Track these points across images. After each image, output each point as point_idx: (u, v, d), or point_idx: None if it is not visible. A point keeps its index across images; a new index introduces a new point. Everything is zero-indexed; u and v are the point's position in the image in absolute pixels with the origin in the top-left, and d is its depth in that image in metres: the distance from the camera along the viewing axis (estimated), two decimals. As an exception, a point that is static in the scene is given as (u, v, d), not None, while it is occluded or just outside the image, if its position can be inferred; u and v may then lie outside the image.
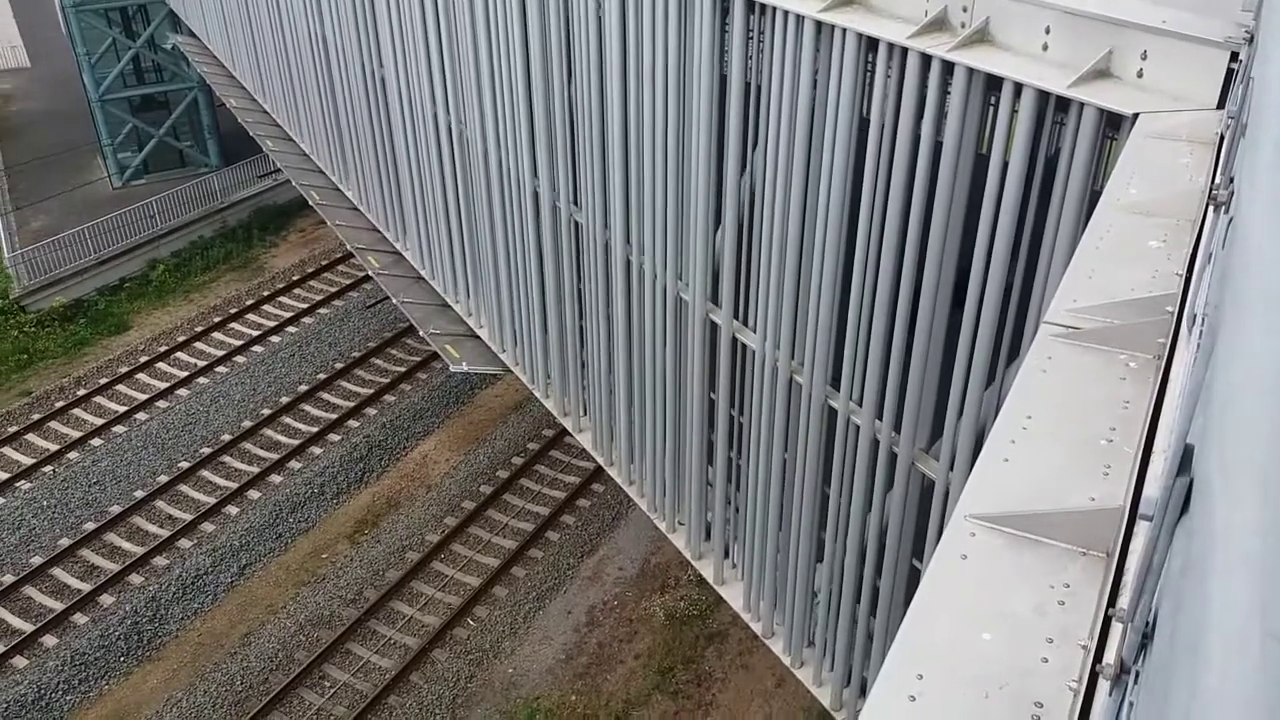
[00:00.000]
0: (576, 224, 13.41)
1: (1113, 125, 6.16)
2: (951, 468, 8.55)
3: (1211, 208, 3.48)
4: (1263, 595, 0.80)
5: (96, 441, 23.80)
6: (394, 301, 20.25)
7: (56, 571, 20.37)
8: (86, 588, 19.89)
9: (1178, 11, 5.76)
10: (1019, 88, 6.58)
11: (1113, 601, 2.40)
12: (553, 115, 12.83)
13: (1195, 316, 3.00)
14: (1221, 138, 4.79)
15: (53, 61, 41.05)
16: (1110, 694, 1.89)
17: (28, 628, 19.06)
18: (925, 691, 2.28)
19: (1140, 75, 5.94)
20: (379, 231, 21.65)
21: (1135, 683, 1.68)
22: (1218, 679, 0.79)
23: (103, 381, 25.80)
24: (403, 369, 26.29)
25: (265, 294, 29.64)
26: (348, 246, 22.44)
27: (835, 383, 9.70)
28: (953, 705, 2.25)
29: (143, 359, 26.72)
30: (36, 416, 24.50)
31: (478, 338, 18.25)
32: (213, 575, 20.46)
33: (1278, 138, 1.98)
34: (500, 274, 16.06)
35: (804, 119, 8.75)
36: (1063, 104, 6.40)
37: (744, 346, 11.02)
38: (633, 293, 12.56)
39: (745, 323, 10.89)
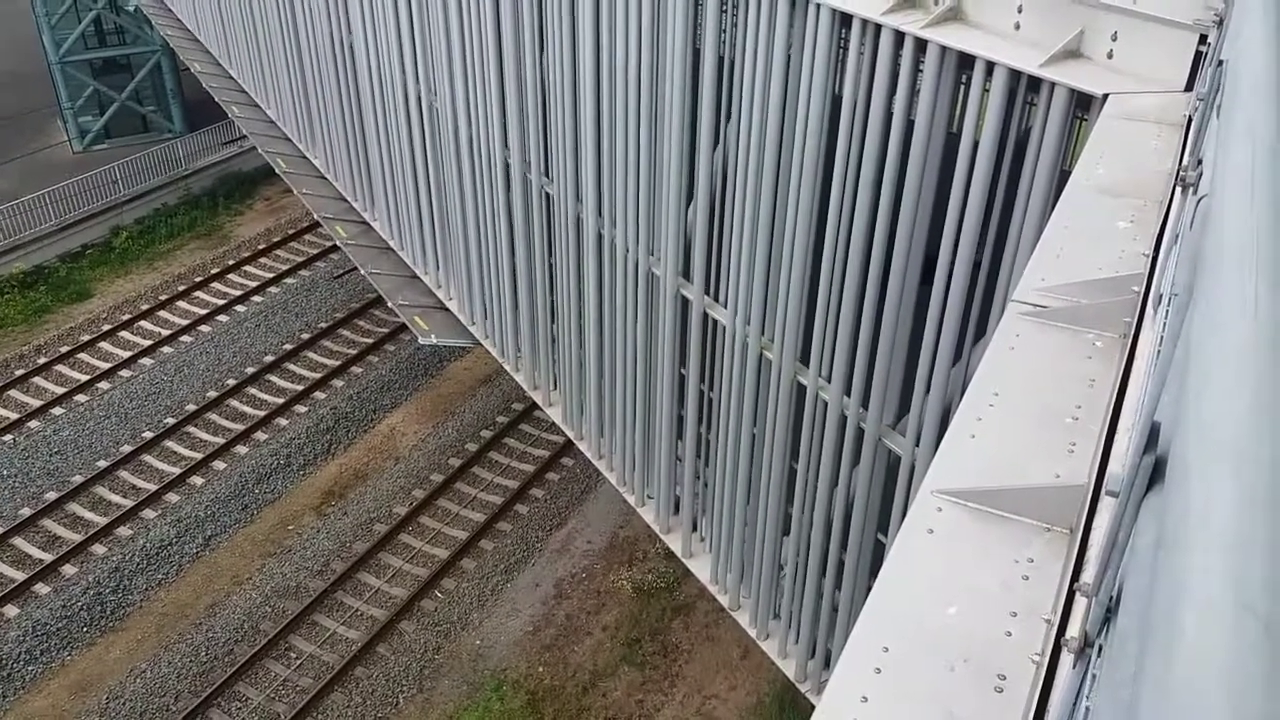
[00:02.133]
0: (548, 196, 13.32)
1: (1083, 105, 6.20)
2: (918, 444, 8.64)
3: (1179, 189, 3.52)
4: (1237, 570, 0.82)
5: (58, 410, 23.45)
6: (362, 272, 20.05)
7: (17, 541, 20.10)
8: (48, 558, 19.66)
9: (1149, -7, 5.80)
10: (990, 66, 6.61)
11: (1076, 576, 2.44)
12: (524, 86, 12.71)
13: (1161, 296, 3.04)
14: (1190, 120, 4.84)
15: (10, 23, 39.96)
16: (1074, 666, 1.93)
17: (-12, 598, 18.83)
18: (890, 663, 2.31)
19: (1110, 56, 5.98)
20: (347, 201, 21.40)
21: (1098, 655, 1.71)
22: (1193, 651, 0.81)
23: (64, 349, 25.38)
24: (371, 340, 26.08)
25: (231, 263, 29.24)
26: (315, 216, 22.16)
27: (805, 359, 9.76)
28: (917, 677, 2.29)
29: (105, 327, 26.30)
30: (-4, 385, 24.10)
31: (447, 310, 18.14)
32: (177, 546, 20.29)
33: (1250, 119, 2.00)
34: (470, 246, 15.94)
35: (777, 94, 8.73)
36: (1034, 83, 6.43)
37: (715, 322, 11.04)
38: (604, 266, 12.52)
39: (716, 298, 10.91)
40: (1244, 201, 1.50)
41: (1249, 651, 0.77)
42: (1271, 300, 1.19)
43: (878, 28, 7.44)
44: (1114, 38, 5.95)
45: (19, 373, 24.55)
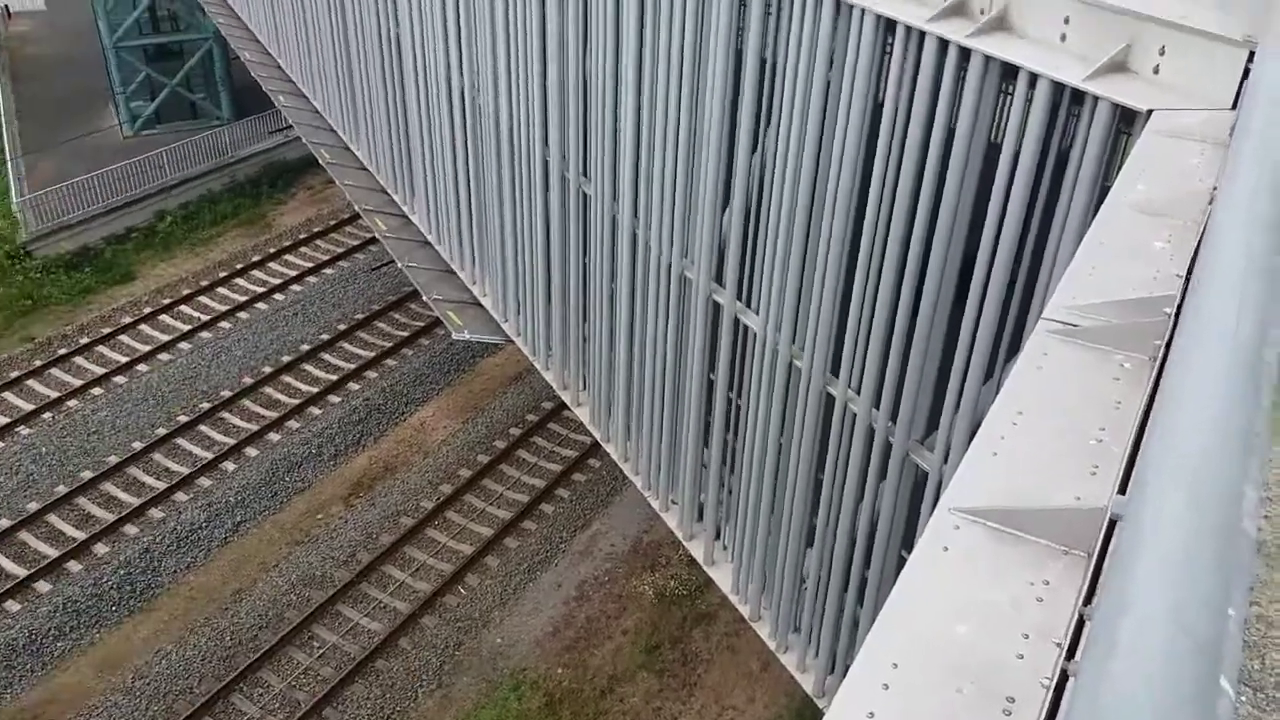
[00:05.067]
0: (585, 196, 13.33)
1: (1126, 120, 6.08)
2: (945, 460, 8.52)
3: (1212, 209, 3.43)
4: (1178, 590, 0.78)
5: (97, 391, 23.85)
6: (399, 265, 20.19)
7: (52, 518, 20.47)
8: (81, 536, 20.00)
9: (1199, 7, 5.67)
10: (1034, 78, 6.50)
11: (1089, 600, 2.38)
12: (566, 86, 12.73)
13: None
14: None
15: (68, 6, 40.78)
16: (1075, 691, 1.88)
17: (22, 572, 19.18)
18: (899, 680, 2.27)
19: (1157, 71, 5.85)
20: (388, 194, 21.57)
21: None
22: (1126, 665, 0.77)
23: (105, 331, 25.83)
24: (405, 334, 26.28)
25: (272, 251, 29.60)
26: (356, 207, 22.36)
27: (835, 369, 9.66)
28: (925, 695, 2.25)
29: (146, 310, 26.74)
30: (39, 363, 24.55)
31: (481, 306, 18.21)
32: (207, 530, 20.55)
33: (1262, 134, 1.93)
34: (506, 243, 15.99)
35: (818, 99, 8.66)
36: (1077, 96, 6.32)
37: (746, 328, 10.98)
38: (638, 268, 12.49)
39: (748, 304, 10.84)
40: (1238, 225, 1.45)
41: (1177, 669, 0.73)
42: (1253, 327, 1.14)
43: (921, 35, 7.35)
44: (1161, 52, 5.83)
45: (61, 351, 25.02)
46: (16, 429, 22.51)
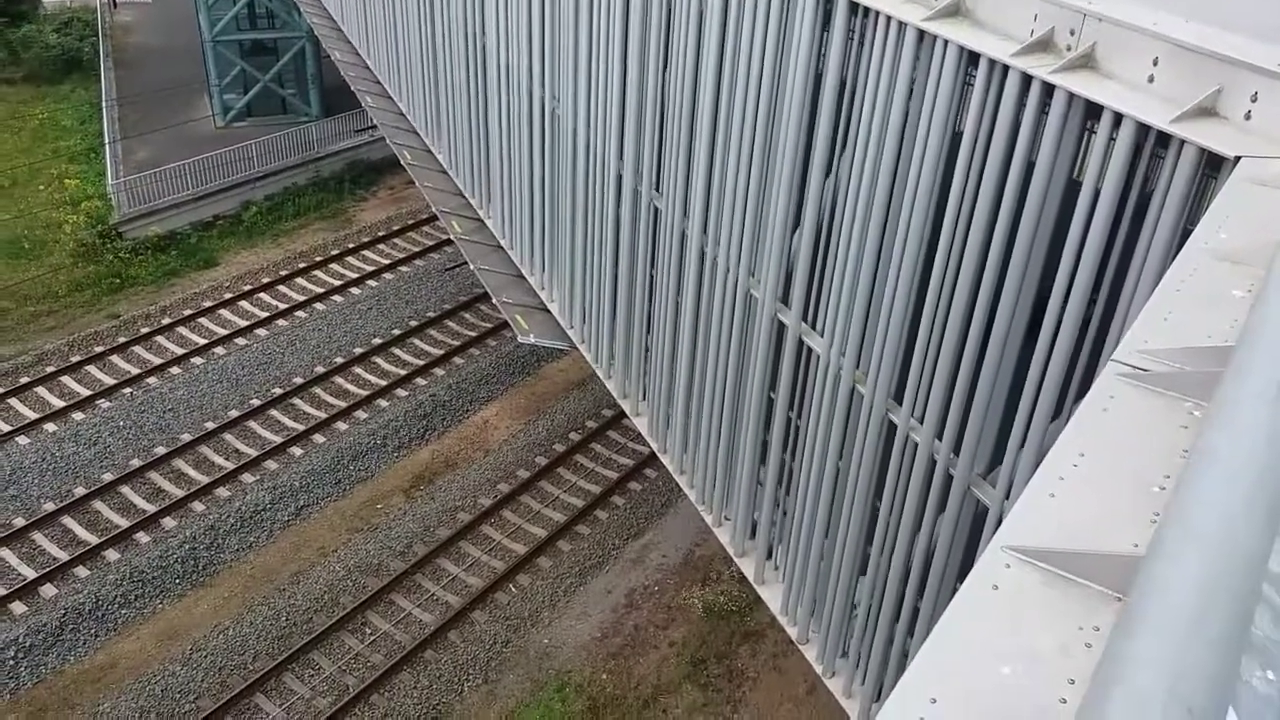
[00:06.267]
0: (656, 210, 13.43)
1: (1213, 166, 5.97)
2: (1007, 496, 8.40)
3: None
4: (1179, 659, 0.81)
5: (175, 370, 24.67)
6: (471, 267, 20.54)
7: (125, 489, 21.20)
8: (151, 509, 20.68)
9: (1296, 55, 5.55)
10: (1119, 117, 6.41)
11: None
12: (644, 101, 12.85)
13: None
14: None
15: (174, 1, 42.31)
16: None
17: (93, 539, 19.90)
18: (936, 715, 2.27)
19: (1248, 117, 5.74)
20: (464, 197, 21.95)
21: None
22: None
23: (187, 313, 26.70)
24: (474, 334, 26.69)
25: (351, 246, 30.31)
26: (434, 209, 22.81)
27: (898, 397, 9.59)
28: (963, 734, 2.25)
29: (227, 295, 27.57)
30: (122, 340, 25.48)
31: (548, 311, 18.42)
32: (271, 512, 21.09)
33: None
34: (576, 252, 16.17)
35: (895, 127, 8.63)
36: (1163, 139, 6.22)
37: (809, 350, 10.95)
38: (704, 284, 12.55)
39: (813, 326, 10.82)
40: None
41: None
42: None
43: (1005, 69, 7.30)
44: (1254, 98, 5.71)
45: (144, 330, 25.92)
46: (98, 401, 23.37)
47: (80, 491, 20.99)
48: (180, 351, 25.24)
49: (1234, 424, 1.22)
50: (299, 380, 24.67)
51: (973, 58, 7.66)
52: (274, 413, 23.66)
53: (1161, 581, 1.00)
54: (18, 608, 18.49)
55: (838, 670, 11.81)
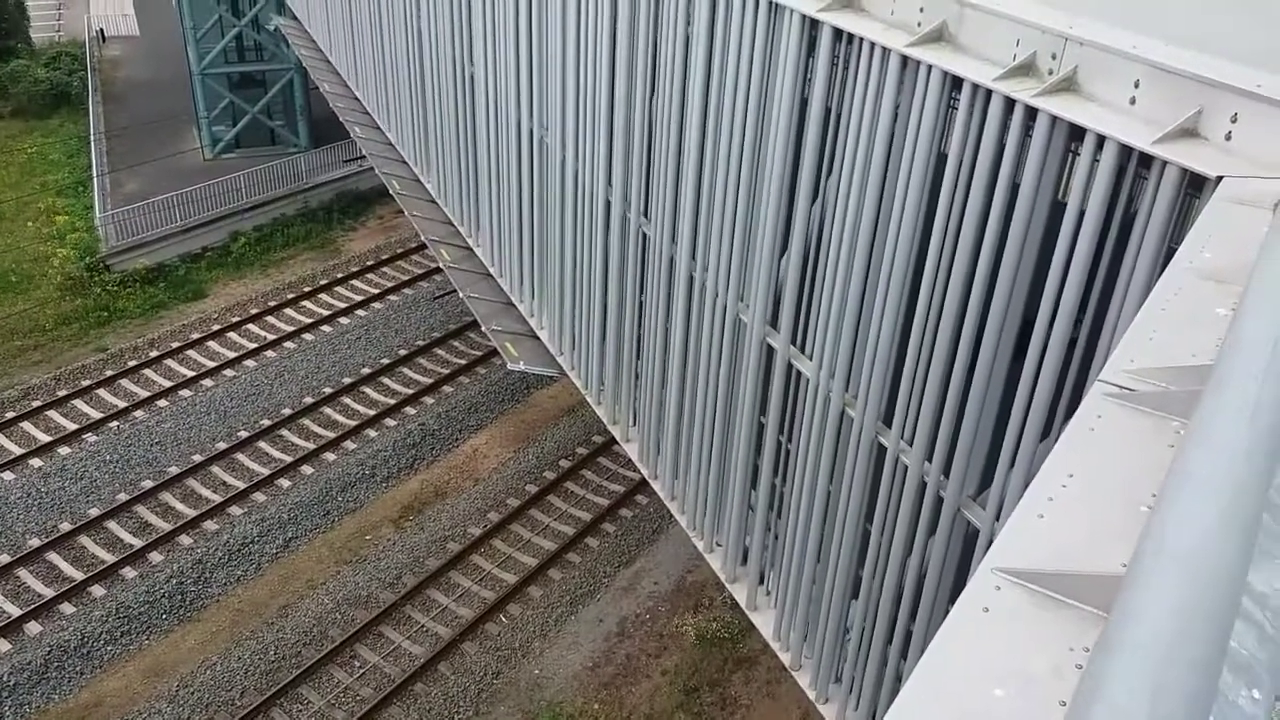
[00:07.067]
0: (644, 236, 13.46)
1: (1195, 186, 6.01)
2: (998, 518, 8.38)
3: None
4: (1157, 679, 0.79)
5: (163, 403, 24.52)
6: (461, 295, 20.53)
7: (111, 525, 21.00)
8: (138, 543, 20.48)
9: (1275, 76, 5.61)
10: (1101, 139, 6.46)
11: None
12: (632, 128, 12.92)
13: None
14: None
15: (160, 33, 42.52)
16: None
17: (79, 575, 19.68)
18: (929, 740, 2.25)
19: (1229, 138, 5.79)
20: (453, 225, 21.99)
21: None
22: None
23: (175, 345, 26.59)
24: (463, 362, 26.64)
25: (339, 275, 30.30)
26: (422, 238, 22.83)
27: (888, 420, 9.58)
28: (955, 757, 2.23)
29: (215, 327, 27.49)
30: (109, 373, 25.34)
31: (537, 339, 18.41)
32: (259, 545, 20.91)
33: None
34: (565, 279, 16.19)
35: (881, 151, 8.69)
36: (1145, 160, 6.26)
37: (799, 374, 10.95)
38: (693, 309, 12.56)
39: (802, 350, 10.82)
40: (1269, 305, 1.45)
41: None
42: (1271, 413, 1.15)
43: (988, 93, 7.35)
44: (1234, 119, 5.76)
45: (131, 363, 25.79)
46: (84, 436, 23.20)
47: (66, 527, 20.79)
48: (168, 384, 25.11)
49: (1210, 442, 1.21)
50: (287, 411, 24.55)
51: (956, 82, 7.72)
52: (262, 444, 23.52)
53: (1140, 599, 0.98)
54: (1, 645, 18.24)
55: (831, 696, 11.71)
